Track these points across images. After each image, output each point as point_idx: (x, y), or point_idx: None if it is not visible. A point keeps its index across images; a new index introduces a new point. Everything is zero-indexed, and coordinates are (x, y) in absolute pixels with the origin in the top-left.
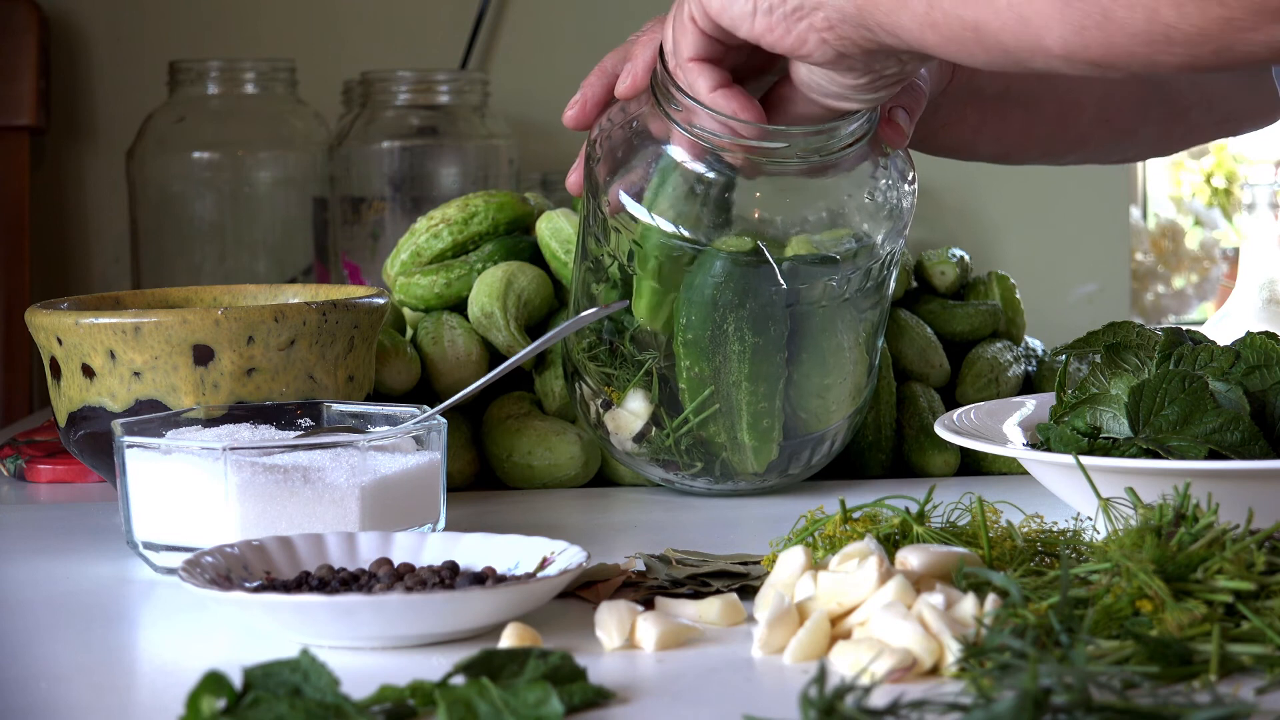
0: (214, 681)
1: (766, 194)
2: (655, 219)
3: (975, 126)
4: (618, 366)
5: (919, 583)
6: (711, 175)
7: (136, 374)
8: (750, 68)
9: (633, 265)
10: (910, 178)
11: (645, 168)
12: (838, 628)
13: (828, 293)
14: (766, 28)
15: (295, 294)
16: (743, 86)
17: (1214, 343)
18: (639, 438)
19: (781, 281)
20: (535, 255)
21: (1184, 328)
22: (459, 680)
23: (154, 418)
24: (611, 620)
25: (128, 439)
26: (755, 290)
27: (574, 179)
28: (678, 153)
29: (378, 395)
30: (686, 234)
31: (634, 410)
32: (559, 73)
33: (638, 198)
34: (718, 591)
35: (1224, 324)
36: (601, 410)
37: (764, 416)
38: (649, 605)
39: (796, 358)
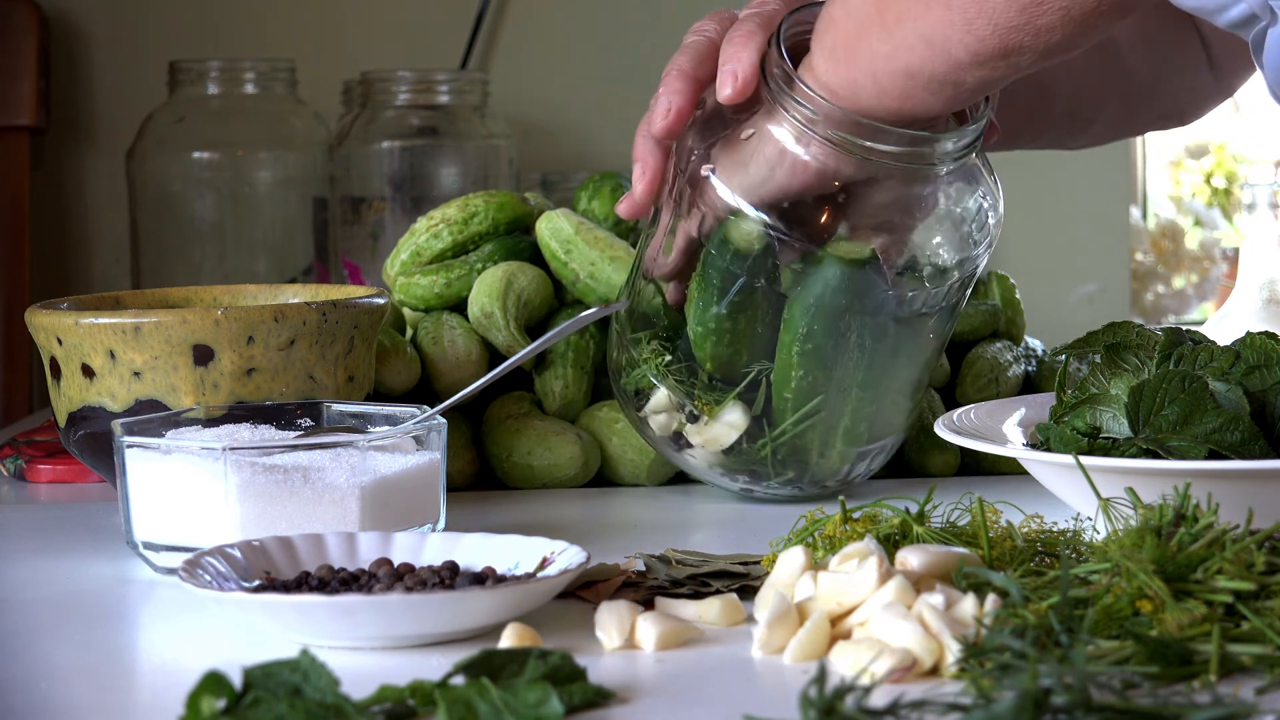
0: (214, 681)
1: (872, 201)
2: (769, 218)
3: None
4: (699, 384)
5: (919, 583)
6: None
7: (136, 374)
8: None
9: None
10: (999, 192)
11: (768, 172)
12: (838, 628)
13: (935, 300)
14: (789, 180)
15: (295, 294)
16: None
17: (1214, 343)
18: (730, 450)
19: (891, 289)
20: (535, 255)
21: (1184, 328)
22: (459, 680)
23: (154, 418)
24: (611, 620)
25: (128, 439)
26: (876, 298)
27: (643, 188)
28: (795, 146)
29: (378, 395)
30: (796, 235)
31: (731, 422)
32: (559, 73)
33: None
34: (718, 591)
35: (1224, 324)
36: (685, 422)
37: (862, 421)
38: (649, 605)
39: (895, 360)
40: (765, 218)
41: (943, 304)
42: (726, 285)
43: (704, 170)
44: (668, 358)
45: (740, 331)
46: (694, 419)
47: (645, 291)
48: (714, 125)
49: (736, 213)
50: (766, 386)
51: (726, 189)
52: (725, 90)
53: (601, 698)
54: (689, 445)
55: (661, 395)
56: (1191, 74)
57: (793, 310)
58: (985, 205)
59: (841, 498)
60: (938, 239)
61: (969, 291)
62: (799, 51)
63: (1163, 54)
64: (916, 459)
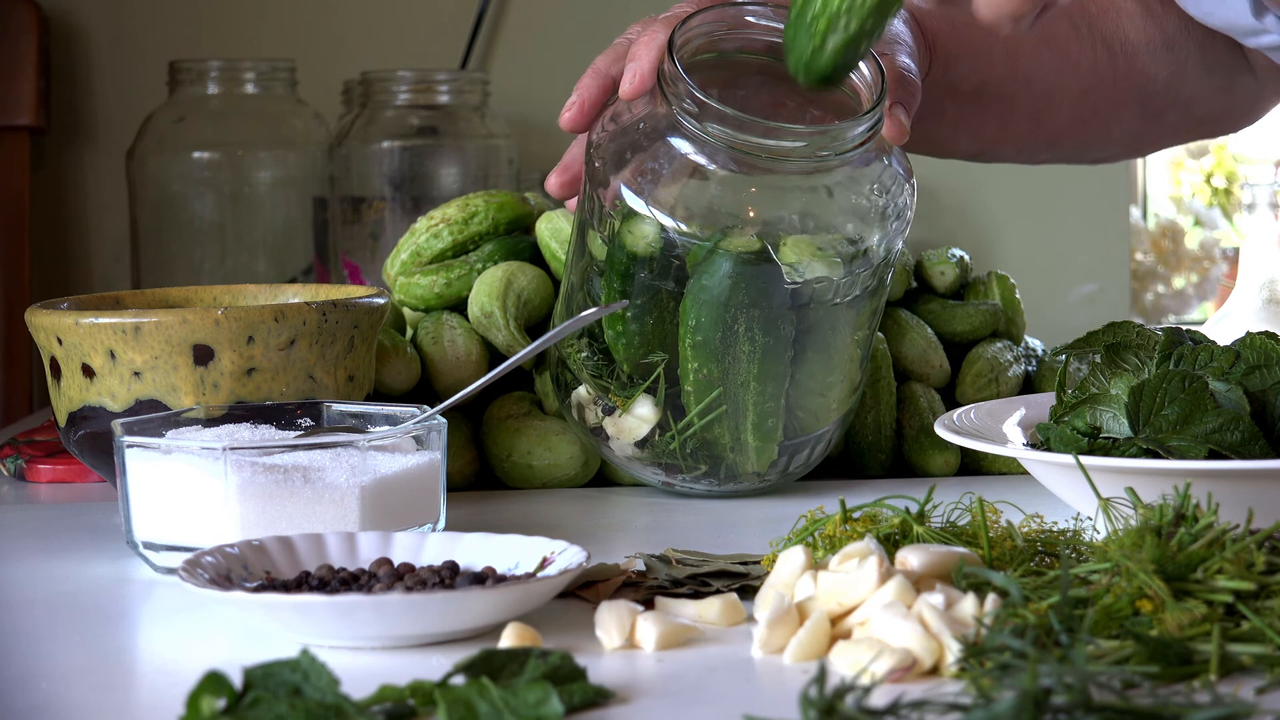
0: (214, 681)
1: (771, 194)
2: (660, 215)
3: (952, 122)
4: (611, 374)
5: (919, 583)
6: (722, 173)
7: (136, 374)
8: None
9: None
10: (910, 176)
11: (655, 166)
12: (838, 628)
13: (836, 292)
14: (679, 177)
15: (295, 294)
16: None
17: (1214, 343)
18: (642, 443)
19: (788, 282)
20: (535, 255)
21: (1184, 328)
22: (459, 680)
23: (154, 418)
24: (611, 620)
25: (128, 439)
26: (765, 290)
27: (555, 181)
28: (686, 148)
29: (378, 395)
30: (695, 232)
31: (641, 415)
32: (559, 73)
33: (647, 197)
34: (718, 591)
35: (1224, 324)
36: (602, 415)
37: (769, 416)
38: (649, 605)
39: (801, 356)
40: (658, 214)
41: (836, 299)
42: (629, 286)
43: (597, 163)
44: (586, 354)
45: (648, 332)
46: (609, 411)
47: (574, 289)
48: (615, 121)
49: (631, 212)
50: (673, 381)
51: (623, 187)
52: (624, 87)
53: (601, 698)
54: (608, 437)
55: (583, 389)
56: (1222, 75)
57: (684, 304)
58: (886, 200)
59: (842, 498)
60: (831, 232)
61: (884, 285)
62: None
63: (1184, 56)
64: (916, 459)
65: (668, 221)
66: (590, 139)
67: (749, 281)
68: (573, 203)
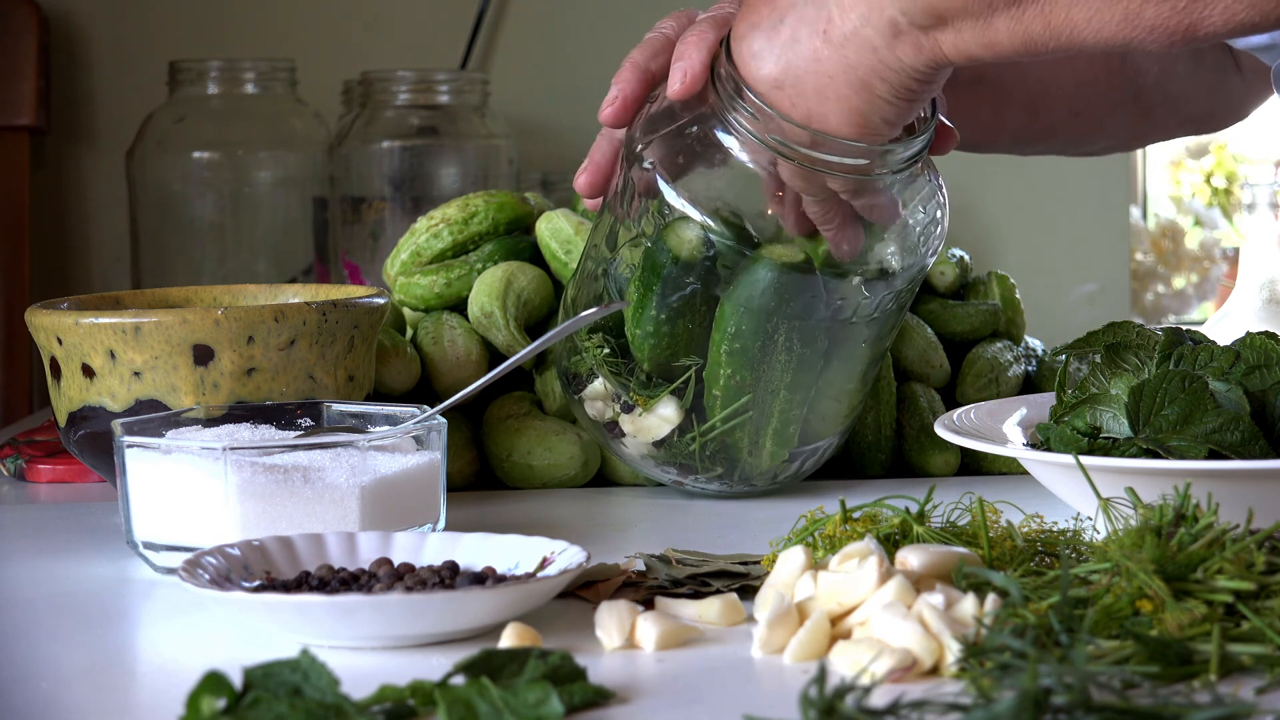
0: (214, 681)
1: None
2: (708, 220)
3: (949, 113)
4: (630, 371)
5: (919, 583)
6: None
7: (136, 374)
8: None
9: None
10: (942, 189)
11: (706, 170)
12: (838, 628)
13: (878, 306)
14: (729, 182)
15: (295, 294)
16: None
17: (1214, 343)
18: (660, 442)
19: (827, 294)
20: (535, 255)
21: (1184, 328)
22: (459, 680)
23: (154, 418)
24: (611, 620)
25: (128, 439)
26: (810, 303)
27: (584, 181)
28: (739, 154)
29: (378, 395)
30: (741, 239)
31: (664, 415)
32: (559, 73)
33: (695, 201)
34: (718, 591)
35: (1224, 324)
36: (620, 412)
37: (791, 423)
38: (649, 605)
39: (826, 365)
40: (705, 218)
41: (875, 314)
42: (666, 289)
43: (645, 163)
44: (606, 351)
45: (678, 335)
46: (628, 409)
47: (591, 280)
48: (660, 121)
49: (677, 213)
50: (698, 383)
51: (669, 188)
52: (674, 86)
53: (601, 698)
54: (622, 434)
55: (599, 384)
56: (1210, 73)
57: (723, 309)
58: (925, 215)
59: (842, 498)
60: (875, 248)
61: (906, 304)
62: None
63: (1172, 55)
64: (916, 459)
65: (715, 227)
66: (630, 136)
67: (794, 293)
68: (595, 202)
